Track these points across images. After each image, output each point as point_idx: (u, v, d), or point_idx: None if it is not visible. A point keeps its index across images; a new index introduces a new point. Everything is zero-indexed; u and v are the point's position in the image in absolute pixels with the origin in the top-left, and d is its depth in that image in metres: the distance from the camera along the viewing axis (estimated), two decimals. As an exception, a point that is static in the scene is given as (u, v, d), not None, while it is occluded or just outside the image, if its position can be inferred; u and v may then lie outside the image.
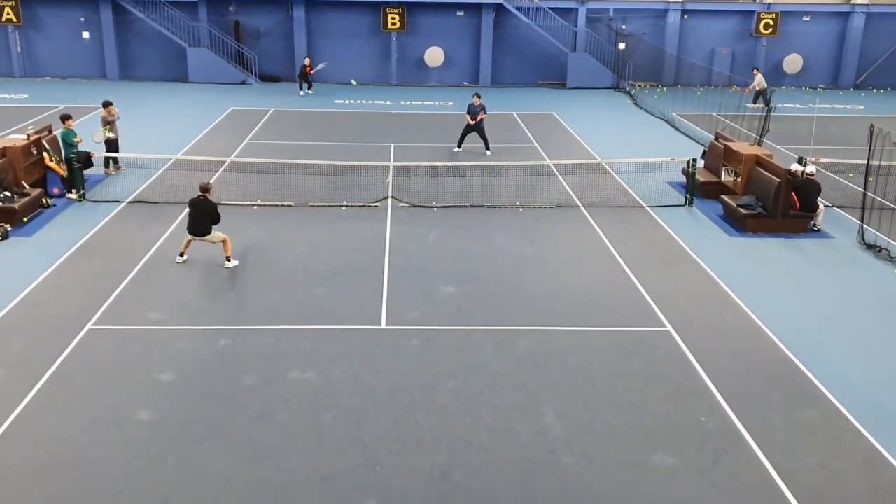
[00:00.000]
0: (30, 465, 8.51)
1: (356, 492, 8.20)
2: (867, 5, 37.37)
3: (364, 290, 13.17)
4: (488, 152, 22.86)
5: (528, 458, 8.81)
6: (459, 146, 23.22)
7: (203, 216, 13.68)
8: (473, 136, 22.95)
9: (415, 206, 17.65)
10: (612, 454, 8.93)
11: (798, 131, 25.76)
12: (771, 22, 37.30)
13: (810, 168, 16.79)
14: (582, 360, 11.02)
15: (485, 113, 22.81)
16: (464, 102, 32.15)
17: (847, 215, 17.71)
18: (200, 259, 14.14)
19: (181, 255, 14.05)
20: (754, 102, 31.55)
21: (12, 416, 9.34)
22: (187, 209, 14.13)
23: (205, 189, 13.82)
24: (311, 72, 33.30)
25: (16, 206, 15.90)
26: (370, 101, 32.48)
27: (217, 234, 13.85)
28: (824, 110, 30.45)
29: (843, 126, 28.40)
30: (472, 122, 22.76)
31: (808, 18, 37.99)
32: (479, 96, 23.11)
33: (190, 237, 13.88)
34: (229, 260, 13.86)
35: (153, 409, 9.58)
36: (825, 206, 17.24)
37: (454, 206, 17.68)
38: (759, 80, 31.93)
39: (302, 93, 33.36)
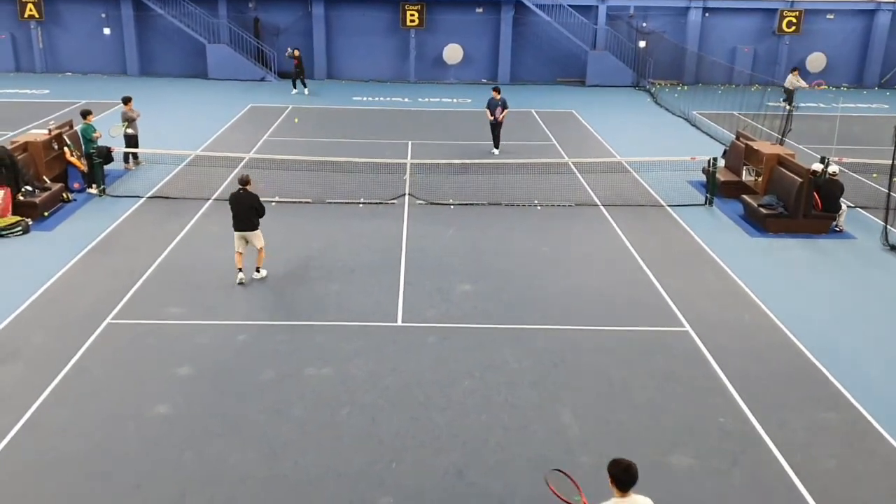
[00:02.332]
0: (48, 457, 8.57)
1: (372, 488, 8.19)
2: (893, 3, 36.91)
3: (380, 287, 13.16)
4: (495, 151, 22.25)
5: (545, 457, 8.76)
6: (497, 146, 22.37)
7: (247, 209, 13.02)
8: (486, 134, 22.77)
9: (432, 203, 17.63)
10: (630, 454, 8.78)
11: (821, 131, 25.52)
12: (794, 20, 36.96)
13: (833, 168, 16.61)
14: (599, 359, 10.96)
15: (505, 108, 22.12)
16: (483, 99, 32.14)
17: (870, 216, 17.51)
18: (221, 256, 14.18)
19: (239, 269, 13.17)
20: (784, 100, 31.20)
21: (32, 409, 9.41)
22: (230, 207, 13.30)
23: (244, 182, 13.12)
24: (298, 64, 31.72)
25: (37, 200, 16.04)
26: (388, 98, 32.49)
27: (261, 237, 13.18)
28: (848, 109, 30.12)
29: (867, 126, 28.12)
30: (492, 119, 22.17)
31: (831, 17, 37.59)
32: (498, 90, 22.21)
33: (239, 235, 13.08)
34: (258, 270, 13.34)
35: (171, 404, 9.62)
36: (848, 206, 17.04)
37: (471, 204, 17.64)
38: (791, 80, 31.46)
39: (295, 90, 32.04)
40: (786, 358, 11.12)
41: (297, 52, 32.17)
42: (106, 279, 13.23)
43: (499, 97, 22.04)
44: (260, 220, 13.16)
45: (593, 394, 10.09)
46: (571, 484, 6.60)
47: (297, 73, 32.13)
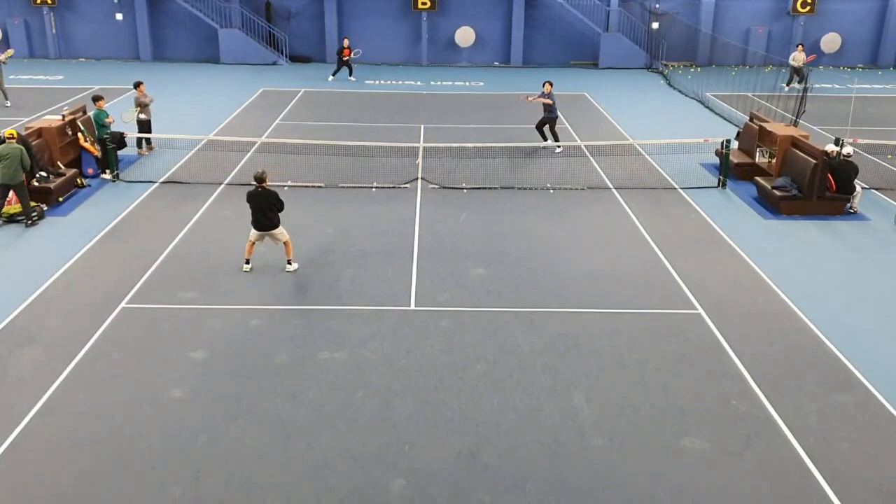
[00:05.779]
0: (64, 441, 8.66)
1: (385, 471, 8.25)
2: (909, -17, 36.48)
3: (394, 271, 13.19)
4: (559, 149, 20.70)
5: (557, 440, 8.80)
6: (557, 140, 20.82)
7: (266, 207, 12.64)
8: (502, 117, 22.53)
9: (445, 187, 17.62)
10: (642, 437, 8.89)
11: (835, 112, 25.32)
12: (809, 0, 36.56)
13: (847, 149, 16.50)
14: (612, 342, 10.96)
15: (540, 97, 20.65)
16: (495, 82, 32.22)
17: (885, 197, 17.39)
18: (234, 241, 14.23)
19: (247, 262, 13.04)
20: (788, 83, 30.97)
21: (48, 394, 9.51)
22: (248, 205, 12.90)
23: (260, 179, 12.61)
24: (350, 55, 31.76)
25: (51, 186, 16.13)
26: (400, 82, 32.41)
27: (283, 231, 12.93)
28: (863, 90, 29.88)
29: (882, 106, 27.85)
30: (527, 100, 21.09)
31: (847, -4, 37.22)
32: (551, 84, 20.74)
33: (257, 234, 12.83)
34: (290, 263, 13.08)
35: (186, 387, 9.70)
36: (862, 188, 16.91)
37: (484, 188, 17.62)
38: (797, 57, 31.31)
39: (331, 78, 31.93)
40: (799, 340, 11.09)
41: (346, 41, 32.24)
42: (120, 264, 13.32)
43: (550, 90, 20.61)
44: (280, 213, 12.89)
45: (606, 377, 10.10)
46: None
47: (343, 62, 31.84)
